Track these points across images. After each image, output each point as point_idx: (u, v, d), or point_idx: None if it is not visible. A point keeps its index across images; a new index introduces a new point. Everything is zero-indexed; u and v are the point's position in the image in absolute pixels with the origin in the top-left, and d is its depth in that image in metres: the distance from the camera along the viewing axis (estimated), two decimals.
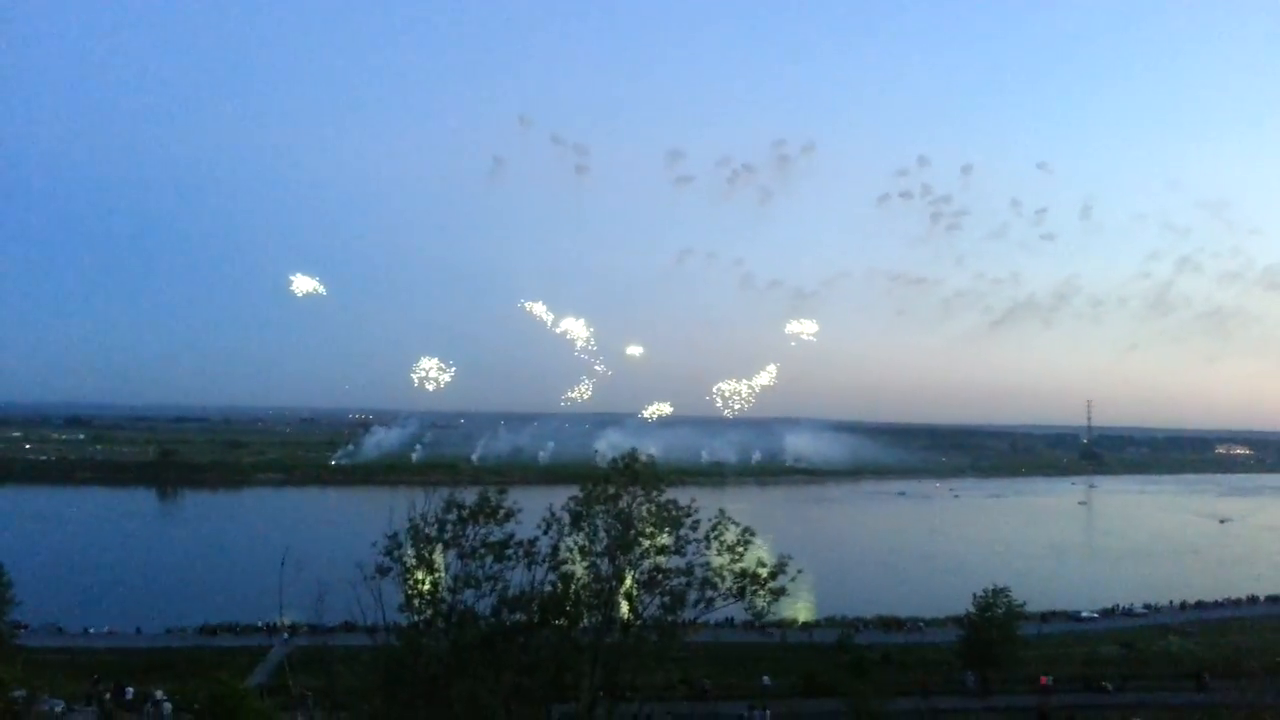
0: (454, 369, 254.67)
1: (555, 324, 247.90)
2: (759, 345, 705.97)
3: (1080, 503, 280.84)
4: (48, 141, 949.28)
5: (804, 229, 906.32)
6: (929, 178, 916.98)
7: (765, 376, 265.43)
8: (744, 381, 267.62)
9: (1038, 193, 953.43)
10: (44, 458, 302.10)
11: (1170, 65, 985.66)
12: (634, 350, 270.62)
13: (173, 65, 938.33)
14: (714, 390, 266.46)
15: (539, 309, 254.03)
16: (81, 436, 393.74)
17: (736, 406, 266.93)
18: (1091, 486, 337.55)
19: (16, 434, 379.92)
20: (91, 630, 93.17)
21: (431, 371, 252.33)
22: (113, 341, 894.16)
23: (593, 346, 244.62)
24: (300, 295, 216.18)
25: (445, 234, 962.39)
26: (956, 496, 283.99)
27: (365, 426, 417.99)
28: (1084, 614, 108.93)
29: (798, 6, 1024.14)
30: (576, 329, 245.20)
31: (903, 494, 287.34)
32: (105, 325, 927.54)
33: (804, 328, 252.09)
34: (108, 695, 68.24)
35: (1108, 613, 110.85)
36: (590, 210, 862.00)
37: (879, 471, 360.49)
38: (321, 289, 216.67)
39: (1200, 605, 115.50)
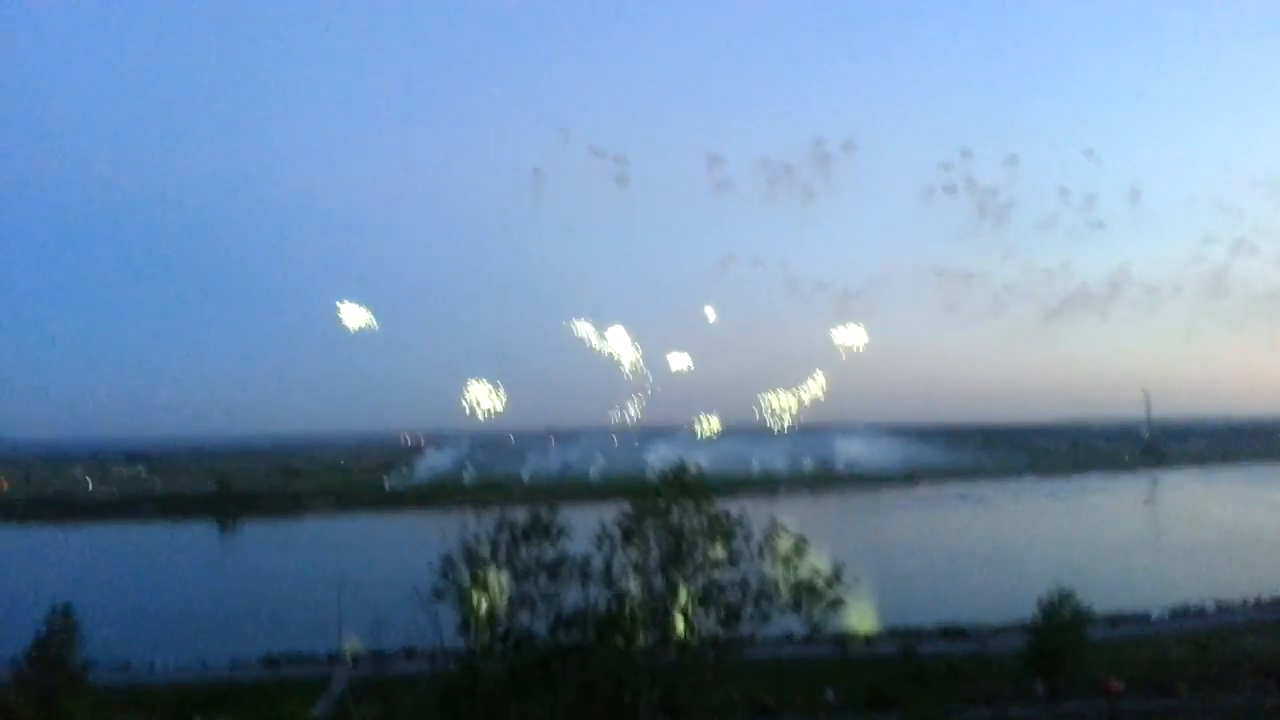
0: (504, 394, 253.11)
1: (601, 342, 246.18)
2: (807, 348, 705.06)
3: (1145, 501, 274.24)
4: (111, 179, 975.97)
5: (848, 228, 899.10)
6: (973, 170, 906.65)
7: (814, 387, 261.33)
8: (792, 393, 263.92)
9: (1086, 180, 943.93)
10: (106, 495, 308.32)
11: (1214, 43, 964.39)
12: (680, 363, 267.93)
13: (223, 97, 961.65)
14: (762, 403, 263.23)
15: (586, 328, 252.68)
16: (141, 471, 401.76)
17: (787, 420, 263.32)
18: (1155, 482, 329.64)
19: (79, 471, 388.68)
20: (157, 665, 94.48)
21: (482, 398, 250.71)
22: (163, 375, 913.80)
23: (640, 367, 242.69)
24: (352, 329, 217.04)
25: (488, 249, 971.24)
26: (1016, 498, 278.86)
27: (417, 449, 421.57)
28: (1154, 615, 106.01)
29: (831, 3, 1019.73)
30: (623, 348, 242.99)
31: (963, 497, 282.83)
32: (155, 359, 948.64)
33: (852, 336, 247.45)
34: None
35: (1178, 613, 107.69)
36: (632, 219, 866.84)
37: (934, 475, 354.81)
38: (372, 321, 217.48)
39: (1276, 602, 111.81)
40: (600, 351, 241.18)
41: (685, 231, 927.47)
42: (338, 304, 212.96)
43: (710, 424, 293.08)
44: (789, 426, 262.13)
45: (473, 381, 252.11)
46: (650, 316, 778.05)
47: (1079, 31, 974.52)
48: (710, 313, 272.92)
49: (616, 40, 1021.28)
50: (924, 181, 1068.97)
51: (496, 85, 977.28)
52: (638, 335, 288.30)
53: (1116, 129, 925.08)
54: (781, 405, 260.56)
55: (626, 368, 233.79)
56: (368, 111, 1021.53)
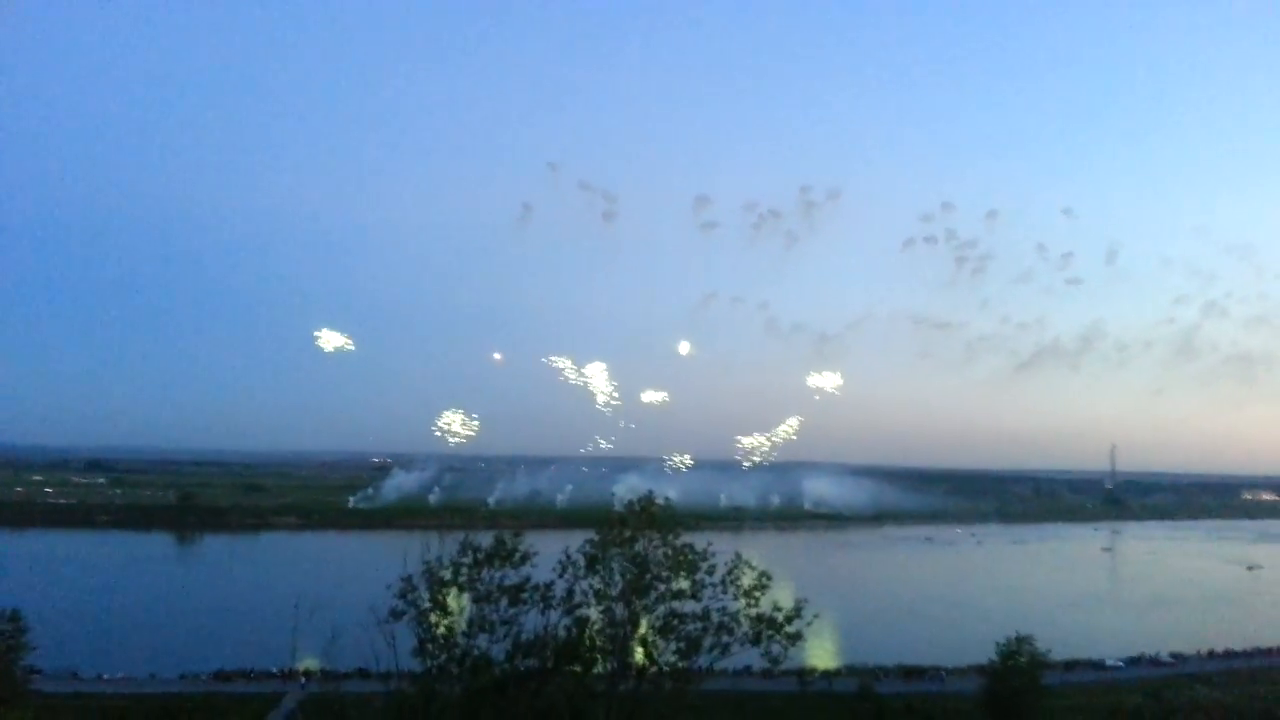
0: (477, 422, 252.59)
1: (579, 377, 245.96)
2: (782, 388, 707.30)
3: (1105, 549, 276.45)
4: (74, 186, 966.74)
5: (829, 273, 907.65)
6: (954, 222, 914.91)
7: (786, 429, 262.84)
8: (765, 436, 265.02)
9: (1063, 238, 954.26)
10: (64, 502, 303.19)
11: (1197, 110, 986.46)
12: (654, 398, 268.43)
13: (210, 118, 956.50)
14: (736, 443, 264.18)
15: (564, 363, 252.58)
16: (102, 480, 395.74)
17: (757, 459, 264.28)
18: (1115, 533, 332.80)
19: (38, 478, 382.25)
20: (105, 676, 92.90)
21: (455, 425, 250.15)
22: (134, 386, 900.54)
23: (615, 400, 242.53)
24: (328, 351, 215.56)
25: (472, 280, 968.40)
26: (979, 543, 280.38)
27: (384, 470, 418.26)
28: (1109, 663, 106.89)
29: (822, 54, 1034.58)
30: (599, 382, 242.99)
31: (929, 540, 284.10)
32: (127, 370, 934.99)
33: (826, 381, 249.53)
34: None
35: (1133, 661, 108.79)
36: (617, 256, 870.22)
37: (900, 517, 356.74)
38: (349, 344, 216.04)
39: (1229, 654, 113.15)
40: (577, 384, 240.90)
41: (670, 269, 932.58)
42: (315, 333, 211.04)
43: (681, 459, 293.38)
44: (759, 463, 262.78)
45: (447, 412, 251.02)
46: (630, 350, 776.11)
47: (1062, 94, 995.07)
48: (684, 347, 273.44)
49: (610, 80, 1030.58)
50: (905, 231, 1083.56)
51: (489, 118, 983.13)
52: (616, 369, 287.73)
53: (1095, 189, 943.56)
54: (754, 445, 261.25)
55: (601, 402, 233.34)
56: (358, 139, 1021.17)
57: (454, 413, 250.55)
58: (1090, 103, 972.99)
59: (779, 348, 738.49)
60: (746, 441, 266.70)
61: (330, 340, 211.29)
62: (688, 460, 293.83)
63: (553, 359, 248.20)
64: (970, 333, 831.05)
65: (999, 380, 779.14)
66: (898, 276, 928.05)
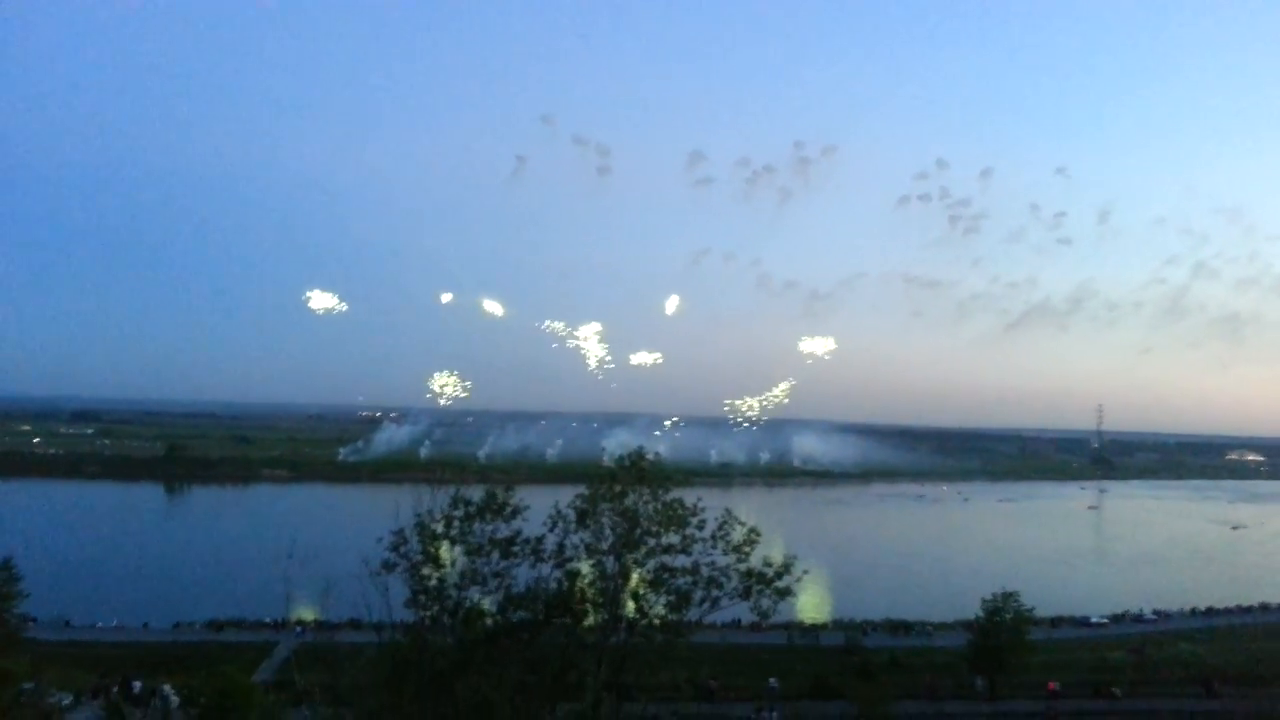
0: (469, 384, 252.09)
1: (573, 340, 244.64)
2: (773, 345, 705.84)
3: (1090, 507, 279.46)
4: (66, 138, 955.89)
5: (822, 230, 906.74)
6: (948, 181, 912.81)
7: (778, 393, 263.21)
8: (757, 400, 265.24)
9: (1056, 197, 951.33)
10: (52, 452, 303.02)
11: (1189, 71, 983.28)
12: (646, 359, 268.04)
13: (194, 69, 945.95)
14: (726, 405, 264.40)
15: (558, 327, 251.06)
16: (90, 431, 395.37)
17: (751, 418, 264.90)
18: (1102, 491, 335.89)
19: (24, 428, 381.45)
20: (99, 624, 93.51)
21: (447, 387, 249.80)
22: (123, 336, 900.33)
23: (608, 363, 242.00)
24: (319, 312, 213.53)
25: (464, 234, 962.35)
26: (966, 500, 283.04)
27: (373, 424, 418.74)
28: (1093, 619, 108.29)
29: (818, 9, 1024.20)
30: (592, 345, 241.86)
31: (922, 497, 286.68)
32: (115, 320, 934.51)
33: (819, 346, 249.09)
34: (115, 689, 68.37)
35: (1117, 618, 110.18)
36: (611, 211, 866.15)
37: (888, 474, 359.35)
38: (340, 305, 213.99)
39: (1211, 612, 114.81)
40: (568, 346, 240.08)
41: (663, 224, 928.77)
42: (305, 294, 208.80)
43: (672, 422, 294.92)
44: (752, 422, 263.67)
45: (439, 374, 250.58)
46: (622, 306, 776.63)
47: (1057, 52, 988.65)
48: (672, 303, 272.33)
49: (604, 33, 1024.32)
50: (900, 189, 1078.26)
51: (482, 70, 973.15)
52: (609, 324, 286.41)
53: (1089, 149, 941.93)
54: (746, 406, 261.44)
55: (593, 364, 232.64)
56: (350, 92, 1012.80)
57: (446, 375, 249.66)
58: (1086, 60, 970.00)
59: (771, 305, 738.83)
60: (738, 404, 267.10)
61: (321, 301, 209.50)
62: (675, 420, 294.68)
63: (548, 324, 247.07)
64: (961, 292, 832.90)
65: (989, 339, 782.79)
66: (891, 234, 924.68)
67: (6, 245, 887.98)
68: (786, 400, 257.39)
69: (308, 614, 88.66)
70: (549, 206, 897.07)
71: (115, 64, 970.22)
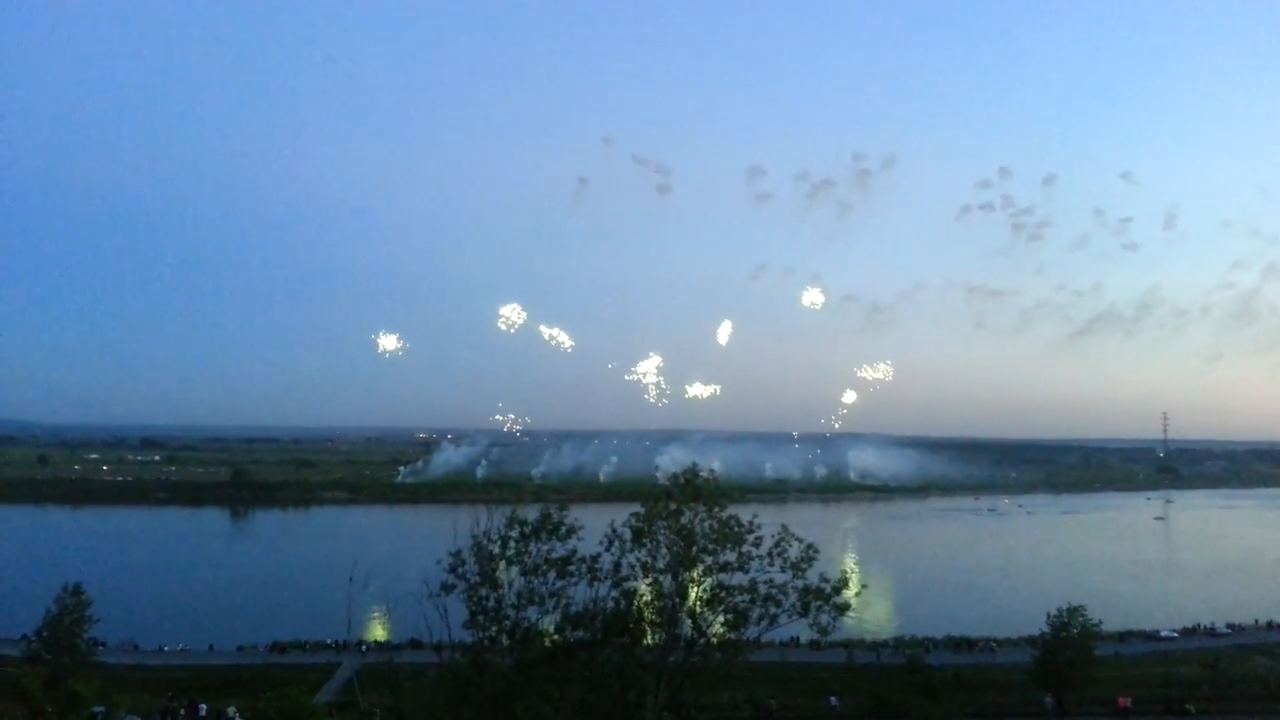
0: (527, 419, 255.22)
1: (633, 375, 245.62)
2: (831, 360, 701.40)
3: (1157, 518, 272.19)
4: (129, 172, 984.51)
5: (882, 243, 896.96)
6: (1011, 189, 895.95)
7: (845, 407, 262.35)
8: (833, 418, 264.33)
9: (1122, 202, 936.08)
10: (121, 479, 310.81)
11: (1254, 70, 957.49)
12: (703, 391, 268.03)
13: (264, 95, 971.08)
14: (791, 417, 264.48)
15: (618, 364, 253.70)
16: (157, 458, 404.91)
17: (834, 429, 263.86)
18: (1169, 501, 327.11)
19: (94, 456, 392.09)
20: (166, 648, 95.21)
21: (510, 418, 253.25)
22: (186, 364, 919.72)
23: (665, 395, 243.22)
24: (384, 354, 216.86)
25: (528, 256, 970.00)
26: (1029, 513, 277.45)
27: (430, 445, 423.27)
28: (1164, 633, 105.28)
29: (875, 21, 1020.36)
30: (651, 377, 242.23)
31: (993, 510, 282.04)
32: (179, 348, 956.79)
33: (879, 372, 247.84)
34: (182, 711, 69.74)
35: (1189, 632, 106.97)
36: (671, 229, 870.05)
37: (947, 487, 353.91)
38: (403, 345, 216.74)
39: None
40: (630, 381, 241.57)
41: (723, 241, 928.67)
42: (372, 336, 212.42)
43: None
44: (802, 435, 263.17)
45: (500, 406, 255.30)
46: (681, 323, 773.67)
47: (1121, 56, 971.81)
48: (724, 331, 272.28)
49: (663, 52, 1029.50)
50: (961, 199, 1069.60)
51: (544, 94, 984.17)
52: (667, 349, 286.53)
53: (1154, 153, 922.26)
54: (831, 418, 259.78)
55: (652, 397, 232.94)
56: (413, 119, 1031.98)
57: (509, 414, 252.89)
58: (1149, 64, 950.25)
59: (830, 319, 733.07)
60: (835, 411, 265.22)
61: (386, 343, 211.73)
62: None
63: (610, 365, 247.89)
64: (1025, 300, 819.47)
65: (1053, 349, 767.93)
66: (952, 245, 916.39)
67: (75, 280, 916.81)
68: (849, 413, 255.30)
69: (368, 635, 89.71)
70: (610, 227, 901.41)
71: (180, 94, 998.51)
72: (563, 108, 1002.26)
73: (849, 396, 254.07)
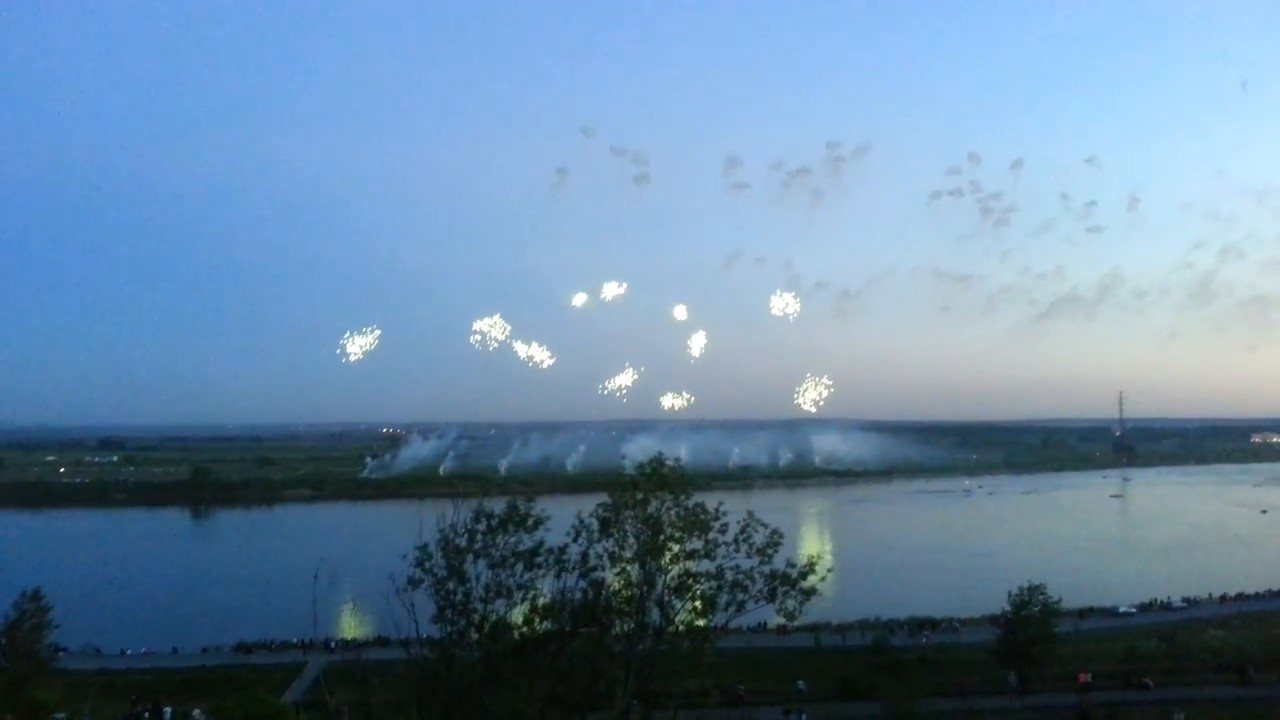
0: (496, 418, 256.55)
1: (610, 388, 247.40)
2: (797, 347, 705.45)
3: (1114, 496, 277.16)
4: (83, 161, 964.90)
5: (854, 230, 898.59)
6: (980, 174, 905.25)
7: (819, 390, 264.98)
8: (813, 400, 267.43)
9: (1087, 186, 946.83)
10: (79, 480, 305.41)
11: (1216, 54, 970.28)
12: (675, 402, 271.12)
13: (219, 86, 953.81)
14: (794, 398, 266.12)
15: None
16: (115, 458, 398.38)
17: (811, 414, 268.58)
18: (1125, 479, 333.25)
19: (51, 458, 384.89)
20: (129, 651, 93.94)
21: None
22: (143, 363, 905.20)
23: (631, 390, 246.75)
24: (354, 359, 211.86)
25: (503, 246, 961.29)
26: (990, 494, 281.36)
27: (395, 441, 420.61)
28: (1122, 609, 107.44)
29: (849, 9, 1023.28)
30: (626, 385, 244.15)
31: (944, 492, 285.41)
32: (135, 346, 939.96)
33: (816, 391, 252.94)
34: (146, 715, 68.99)
35: (1146, 607, 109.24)
36: (648, 218, 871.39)
37: (910, 470, 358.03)
38: (373, 344, 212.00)
39: (1241, 598, 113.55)
40: (600, 390, 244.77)
41: (698, 230, 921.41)
42: (340, 341, 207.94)
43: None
44: (769, 421, 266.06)
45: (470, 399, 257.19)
46: (655, 317, 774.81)
47: (1087, 41, 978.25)
48: (697, 343, 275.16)
49: (639, 42, 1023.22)
50: (933, 185, 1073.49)
51: (521, 84, 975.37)
52: (639, 343, 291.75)
53: (1119, 137, 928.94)
54: (810, 397, 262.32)
55: (623, 396, 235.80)
56: (386, 107, 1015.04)
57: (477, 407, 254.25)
58: (1113, 48, 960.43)
59: (801, 307, 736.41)
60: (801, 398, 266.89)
61: (356, 345, 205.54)
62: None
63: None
64: (990, 284, 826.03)
65: (1016, 332, 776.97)
66: (922, 231, 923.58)
67: (27, 276, 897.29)
68: (824, 395, 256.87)
69: (335, 633, 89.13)
70: (588, 215, 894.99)
71: (135, 76, 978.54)
72: (543, 99, 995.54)
73: (811, 393, 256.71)
